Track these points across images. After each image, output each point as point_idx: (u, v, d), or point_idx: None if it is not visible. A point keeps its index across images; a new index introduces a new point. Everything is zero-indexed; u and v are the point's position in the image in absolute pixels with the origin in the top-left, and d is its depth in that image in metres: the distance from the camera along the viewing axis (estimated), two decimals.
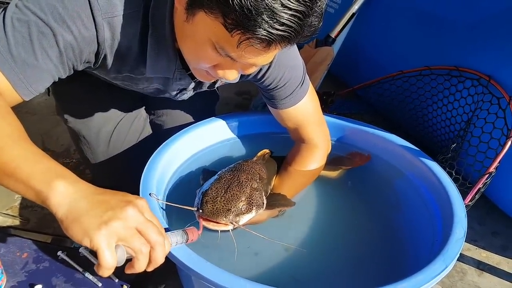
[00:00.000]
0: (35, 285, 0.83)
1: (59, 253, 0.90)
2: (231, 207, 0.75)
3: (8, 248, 0.91)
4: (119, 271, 0.88)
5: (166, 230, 0.70)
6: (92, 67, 0.77)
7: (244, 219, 0.77)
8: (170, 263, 0.70)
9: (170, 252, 0.67)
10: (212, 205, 0.75)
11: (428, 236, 0.85)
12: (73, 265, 0.88)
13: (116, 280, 0.86)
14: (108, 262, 0.51)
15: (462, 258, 1.11)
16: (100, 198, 0.54)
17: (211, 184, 0.80)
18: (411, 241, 0.88)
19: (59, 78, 0.72)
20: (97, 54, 0.72)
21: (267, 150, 1.00)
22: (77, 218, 0.51)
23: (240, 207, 0.76)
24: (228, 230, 0.76)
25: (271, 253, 0.84)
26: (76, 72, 0.75)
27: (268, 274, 0.80)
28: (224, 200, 0.76)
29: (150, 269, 0.57)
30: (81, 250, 0.91)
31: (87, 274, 0.86)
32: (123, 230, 0.52)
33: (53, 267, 0.88)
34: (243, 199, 0.77)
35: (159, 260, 0.56)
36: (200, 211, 0.75)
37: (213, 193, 0.77)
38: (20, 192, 0.55)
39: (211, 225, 0.75)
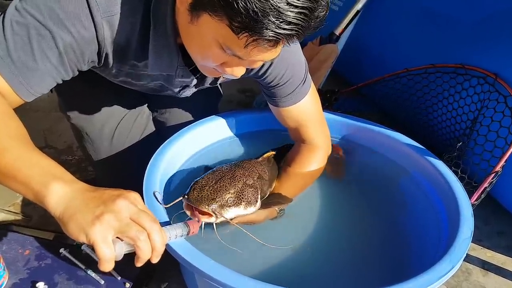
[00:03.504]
0: (37, 282, 0.83)
1: (61, 250, 0.90)
2: (216, 196, 0.74)
3: (10, 245, 0.91)
4: (122, 269, 0.88)
5: (168, 224, 0.70)
6: (97, 66, 0.76)
7: (230, 212, 0.76)
8: (173, 261, 0.69)
9: (173, 249, 0.67)
10: (198, 193, 0.74)
11: (434, 235, 0.84)
12: (76, 262, 0.87)
13: (119, 278, 0.86)
14: (105, 254, 0.53)
15: (467, 258, 1.10)
16: (92, 194, 0.56)
17: (205, 175, 0.80)
18: (416, 241, 0.87)
19: (63, 80, 0.72)
20: (99, 53, 0.72)
21: (273, 153, 0.99)
22: (72, 216, 0.53)
23: (227, 199, 0.75)
24: (212, 224, 0.75)
25: (275, 251, 0.83)
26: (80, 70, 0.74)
27: (272, 271, 0.80)
28: (211, 190, 0.75)
29: (154, 260, 0.58)
30: (83, 247, 0.90)
31: (90, 272, 0.86)
32: (117, 222, 0.54)
33: (55, 264, 0.88)
34: (232, 191, 0.77)
35: (159, 246, 0.57)
36: (186, 197, 0.75)
37: (203, 182, 0.77)
38: (20, 192, 0.57)
39: (193, 215, 0.74)
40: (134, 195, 0.58)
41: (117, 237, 0.55)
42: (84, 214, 0.53)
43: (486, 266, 1.08)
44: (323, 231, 0.89)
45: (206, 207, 0.73)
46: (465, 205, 0.82)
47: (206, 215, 0.74)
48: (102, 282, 0.84)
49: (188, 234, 0.67)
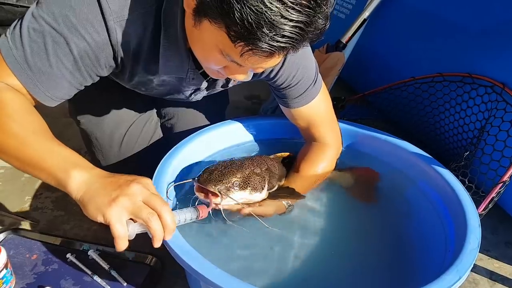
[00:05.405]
0: (44, 287, 0.83)
1: (68, 255, 0.90)
2: (223, 179, 0.80)
3: (18, 250, 0.92)
4: (128, 274, 0.88)
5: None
6: (116, 70, 0.78)
7: (235, 195, 0.81)
8: (179, 268, 0.69)
9: (179, 256, 0.67)
10: (208, 175, 0.81)
11: (441, 245, 0.83)
12: (82, 267, 0.88)
13: (125, 284, 0.86)
14: (119, 232, 0.57)
15: (474, 268, 1.09)
16: (110, 180, 0.61)
17: (216, 163, 0.86)
18: (423, 251, 0.87)
19: (82, 85, 0.75)
20: (115, 58, 0.74)
21: (288, 154, 1.02)
22: (91, 199, 0.59)
23: (233, 181, 0.81)
24: (219, 209, 0.80)
25: (279, 259, 0.83)
26: None
27: (277, 279, 0.80)
28: (219, 173, 0.81)
29: (167, 237, 0.62)
30: (90, 253, 0.91)
31: (96, 277, 0.86)
32: (130, 204, 0.59)
33: (62, 269, 0.88)
34: (238, 176, 0.82)
35: (169, 224, 0.61)
36: (196, 179, 0.81)
37: (213, 167, 0.84)
38: (43, 179, 0.63)
39: (201, 196, 0.79)
40: (147, 181, 0.63)
41: (131, 219, 0.60)
42: (102, 197, 0.58)
43: (494, 276, 1.07)
44: (329, 239, 0.89)
45: (213, 187, 0.79)
46: (472, 215, 0.82)
47: (212, 195, 0.79)
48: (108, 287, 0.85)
49: (197, 218, 0.70)
